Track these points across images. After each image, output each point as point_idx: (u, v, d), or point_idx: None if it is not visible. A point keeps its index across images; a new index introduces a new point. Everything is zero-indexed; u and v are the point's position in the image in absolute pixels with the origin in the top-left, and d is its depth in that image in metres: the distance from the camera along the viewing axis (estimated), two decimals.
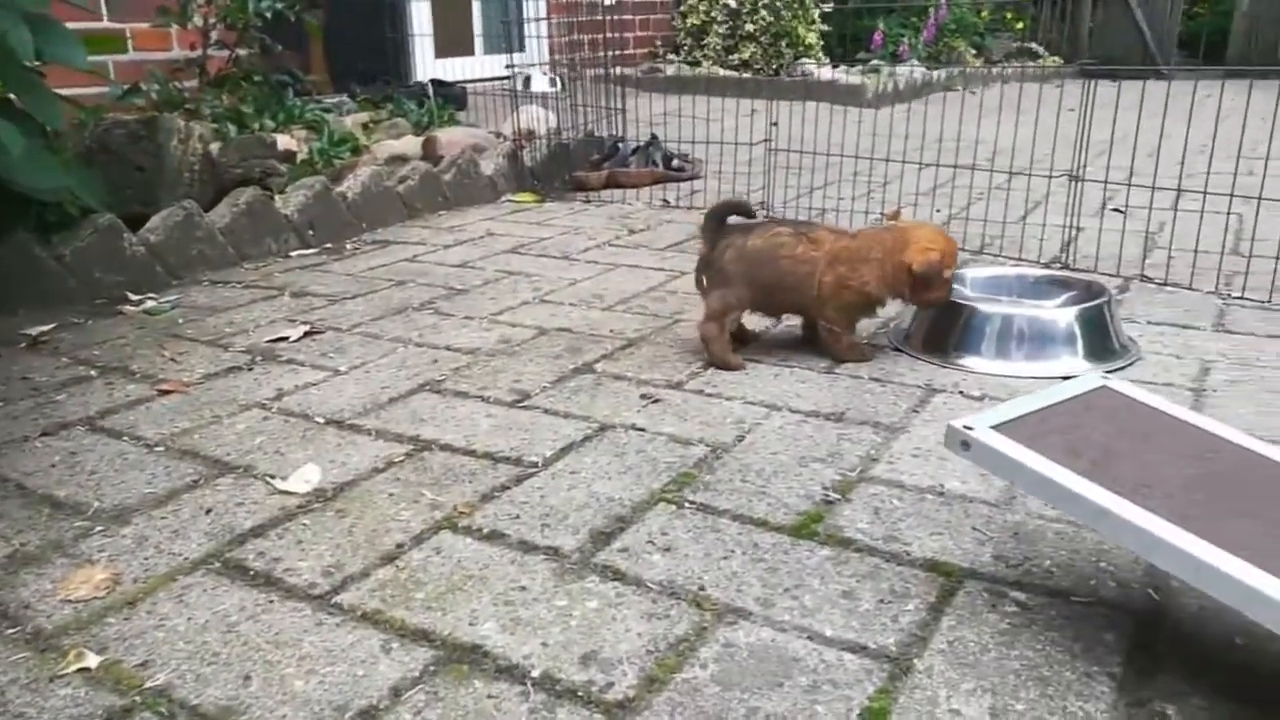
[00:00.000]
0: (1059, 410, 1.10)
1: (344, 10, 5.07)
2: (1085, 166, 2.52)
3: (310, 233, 2.88)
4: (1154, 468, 1.00)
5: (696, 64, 6.62)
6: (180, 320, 2.20)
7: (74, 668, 1.04)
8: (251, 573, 1.22)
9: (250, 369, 1.90)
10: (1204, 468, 1.02)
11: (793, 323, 2.04)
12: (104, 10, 3.67)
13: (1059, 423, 1.07)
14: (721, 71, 6.41)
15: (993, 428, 1.04)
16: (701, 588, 1.17)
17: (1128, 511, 0.92)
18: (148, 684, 1.02)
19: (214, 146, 3.07)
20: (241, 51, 3.93)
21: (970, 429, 1.04)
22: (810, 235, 1.86)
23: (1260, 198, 2.24)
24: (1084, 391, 1.15)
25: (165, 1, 3.58)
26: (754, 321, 2.01)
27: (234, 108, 3.66)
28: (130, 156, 2.73)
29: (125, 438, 1.60)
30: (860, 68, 6.66)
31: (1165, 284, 2.36)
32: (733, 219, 1.92)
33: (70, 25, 2.22)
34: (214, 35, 3.79)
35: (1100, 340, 1.87)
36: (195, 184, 2.90)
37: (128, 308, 2.28)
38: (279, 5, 3.68)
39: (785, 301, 1.91)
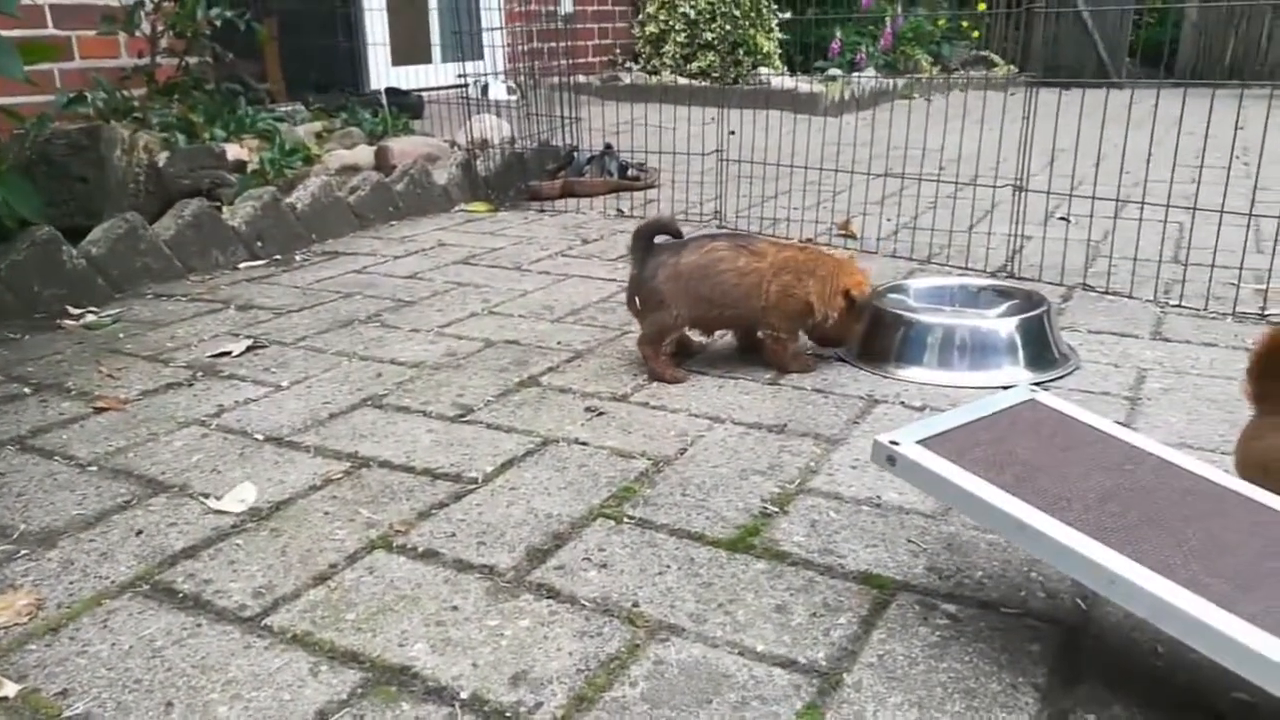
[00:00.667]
0: (985, 424, 1.12)
1: (299, 19, 5.03)
2: (1030, 176, 2.56)
3: (259, 244, 2.85)
4: (1074, 480, 1.02)
5: (655, 72, 6.64)
6: (121, 335, 2.17)
7: None
8: (180, 595, 1.20)
9: (190, 385, 1.87)
10: (1123, 480, 1.03)
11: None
12: (48, 17, 3.60)
13: (985, 436, 1.09)
14: (680, 80, 6.44)
15: (918, 443, 1.05)
16: (635, 604, 1.17)
17: (1045, 525, 0.93)
18: (66, 713, 1.00)
19: (162, 157, 3.03)
20: (191, 59, 3.89)
21: (896, 444, 1.05)
22: (751, 248, 1.86)
23: (1195, 207, 2.28)
24: (1011, 405, 1.16)
25: (111, 9, 3.53)
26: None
27: (184, 117, 3.62)
28: (72, 167, 2.68)
29: (57, 458, 1.57)
30: (818, 76, 6.72)
31: (1106, 292, 2.39)
32: (661, 238, 1.92)
33: (12, 33, 2.18)
34: (163, 43, 3.74)
35: (1040, 350, 1.90)
36: (141, 195, 2.87)
37: (67, 322, 2.24)
38: (228, 13, 3.64)
39: (727, 316, 1.90)
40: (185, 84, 3.83)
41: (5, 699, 1.02)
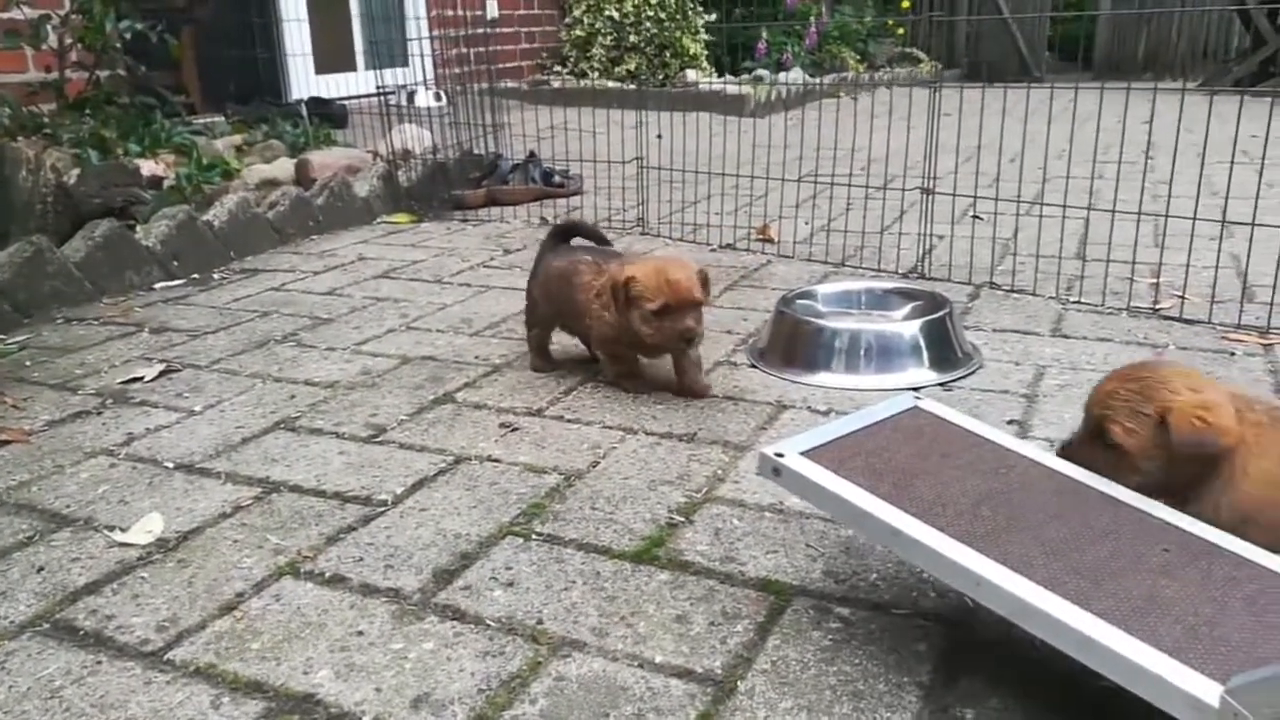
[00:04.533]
0: (869, 433, 1.16)
1: (216, 30, 4.94)
2: (947, 174, 2.62)
3: (175, 264, 2.81)
4: (950, 486, 1.07)
5: (582, 76, 6.66)
6: (28, 362, 2.13)
7: None
8: (81, 633, 1.19)
9: (99, 413, 1.85)
10: (996, 483, 1.08)
11: None
12: None
13: (867, 445, 1.13)
14: (608, 83, 6.46)
15: (802, 454, 1.09)
16: (539, 621, 1.19)
17: (917, 531, 0.97)
18: None
19: (73, 174, 2.97)
20: (103, 73, 3.81)
21: (780, 456, 1.09)
22: (604, 266, 1.84)
23: (1090, 206, 2.37)
24: (895, 413, 1.21)
25: (15, 23, 3.45)
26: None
27: (96, 132, 3.54)
28: None
29: None
30: (745, 77, 6.79)
31: (1012, 290, 2.48)
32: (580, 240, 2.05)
33: None
34: (72, 56, 3.66)
35: (943, 351, 1.96)
36: (49, 215, 2.80)
37: None
38: (138, 25, 3.57)
39: (576, 327, 1.98)
40: (97, 98, 3.75)
41: None
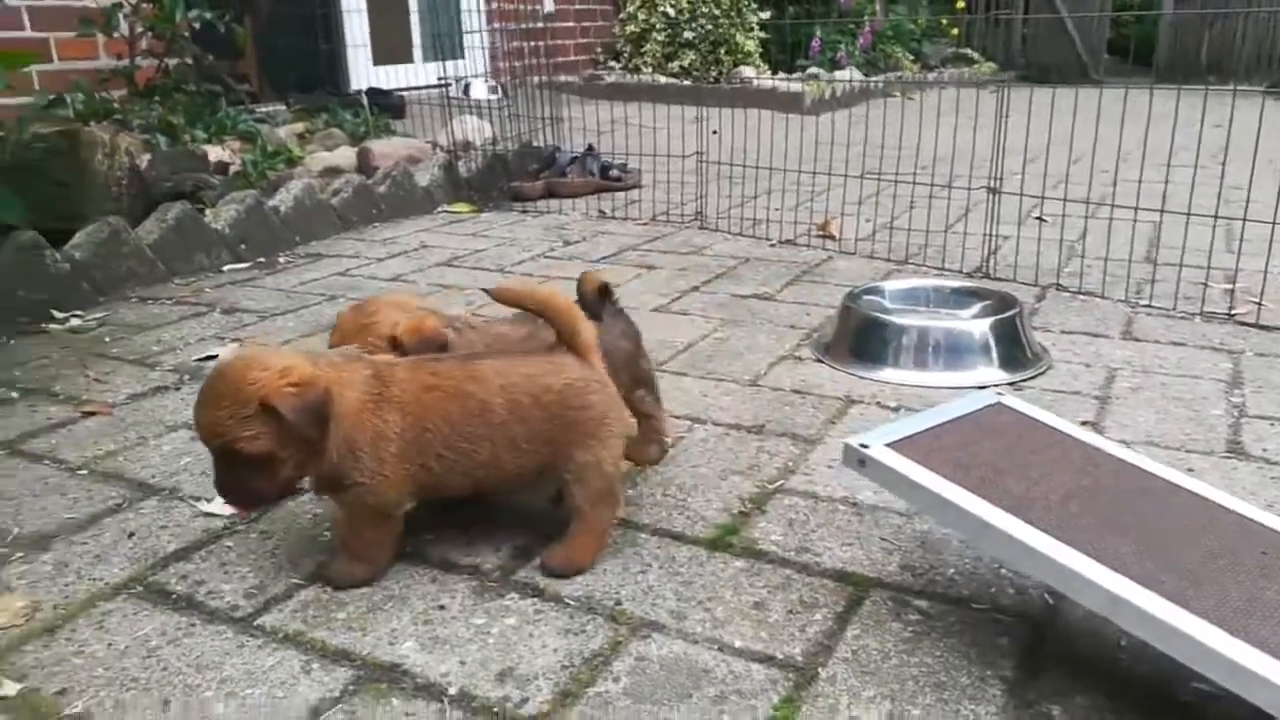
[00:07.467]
0: (952, 427, 1.16)
1: (279, 20, 5.03)
2: (1010, 175, 2.59)
3: (242, 247, 2.87)
4: (1038, 482, 1.06)
5: (636, 71, 6.67)
6: (106, 339, 2.18)
7: None
8: (173, 596, 1.23)
9: (177, 389, 1.89)
10: (1083, 481, 1.08)
11: (721, 334, 2.08)
12: (25, 19, 3.59)
13: (951, 440, 1.13)
14: (662, 79, 6.47)
15: (887, 445, 1.09)
16: (618, 602, 1.20)
17: (1007, 525, 0.97)
18: (66, 711, 1.03)
19: (144, 159, 3.04)
20: (171, 61, 3.89)
21: (866, 447, 1.09)
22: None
23: (1162, 209, 2.33)
24: (978, 408, 1.21)
25: (89, 11, 3.53)
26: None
27: (164, 119, 3.62)
28: (51, 171, 2.69)
29: (47, 461, 1.59)
30: (800, 75, 6.76)
31: (1079, 293, 2.45)
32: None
33: None
34: (142, 44, 3.74)
35: (1013, 350, 1.94)
36: (123, 198, 2.87)
37: (52, 326, 2.25)
38: (207, 15, 3.64)
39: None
40: (165, 85, 3.83)
41: (6, 698, 1.05)
